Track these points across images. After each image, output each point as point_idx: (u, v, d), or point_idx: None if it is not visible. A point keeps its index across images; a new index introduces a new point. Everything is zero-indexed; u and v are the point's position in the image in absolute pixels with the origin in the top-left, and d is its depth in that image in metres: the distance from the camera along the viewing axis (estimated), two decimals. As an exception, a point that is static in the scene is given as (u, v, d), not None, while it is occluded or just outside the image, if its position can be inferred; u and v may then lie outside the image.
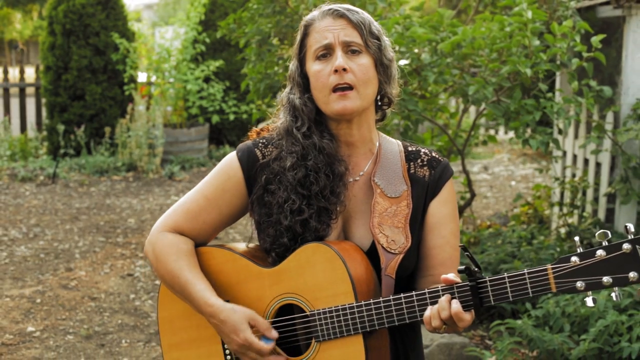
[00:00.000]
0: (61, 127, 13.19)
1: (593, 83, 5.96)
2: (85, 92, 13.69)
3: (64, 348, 6.15)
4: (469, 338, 5.67)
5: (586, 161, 7.47)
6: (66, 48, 13.72)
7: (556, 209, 7.65)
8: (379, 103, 2.78)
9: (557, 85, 7.79)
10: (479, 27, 5.98)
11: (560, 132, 6.20)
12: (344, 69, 2.61)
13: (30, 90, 16.26)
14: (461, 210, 7.26)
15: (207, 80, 14.55)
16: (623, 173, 6.49)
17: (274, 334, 2.65)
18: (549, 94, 5.88)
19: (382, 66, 2.69)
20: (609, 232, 2.33)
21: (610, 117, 6.73)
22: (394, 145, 2.82)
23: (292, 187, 2.68)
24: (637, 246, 2.30)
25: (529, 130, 6.07)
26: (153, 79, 14.69)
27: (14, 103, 16.06)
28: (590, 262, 2.34)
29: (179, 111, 14.44)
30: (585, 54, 5.70)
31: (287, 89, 2.81)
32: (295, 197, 2.67)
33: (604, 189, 6.94)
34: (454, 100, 13.90)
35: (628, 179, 6.45)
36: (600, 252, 2.33)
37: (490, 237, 6.94)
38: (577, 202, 7.27)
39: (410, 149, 2.83)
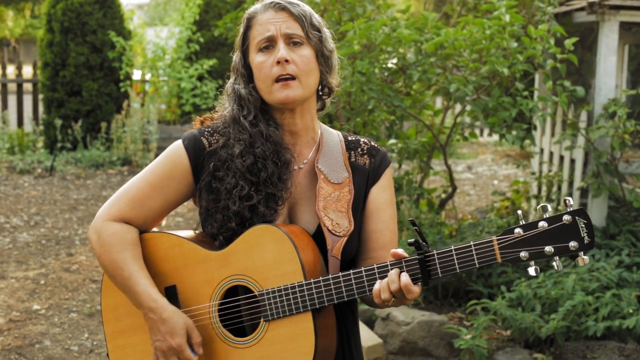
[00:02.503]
0: (58, 122, 13.54)
1: (567, 83, 6.37)
2: (82, 88, 14.07)
3: (68, 324, 6.54)
4: (448, 318, 6.07)
5: (561, 158, 7.89)
6: (64, 45, 14.10)
7: (533, 202, 8.07)
8: (320, 93, 2.89)
9: (536, 84, 8.21)
10: (461, 29, 6.41)
11: (535, 128, 6.62)
12: (286, 60, 2.69)
13: (27, 86, 16.59)
14: (442, 203, 7.69)
15: (200, 78, 14.91)
16: (595, 168, 6.89)
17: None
18: (525, 93, 6.31)
19: (323, 57, 2.79)
20: (548, 206, 2.48)
21: (584, 115, 7.14)
22: (335, 135, 2.93)
23: (240, 173, 2.73)
24: (577, 218, 2.44)
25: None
26: (148, 76, 15.07)
27: (11, 99, 16.40)
28: (533, 233, 2.46)
29: (173, 108, 14.84)
30: (559, 56, 6.13)
31: (232, 80, 2.87)
32: (243, 183, 2.73)
33: (577, 183, 7.36)
34: (439, 101, 14.34)
35: (599, 174, 6.84)
36: (542, 224, 2.45)
37: (469, 227, 7.34)
38: (553, 196, 7.70)
39: (350, 138, 2.94)
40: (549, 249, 2.45)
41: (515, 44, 6.21)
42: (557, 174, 7.66)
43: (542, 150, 8.42)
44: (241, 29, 2.84)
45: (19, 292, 7.20)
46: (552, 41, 6.23)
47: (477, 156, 15.85)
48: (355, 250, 2.84)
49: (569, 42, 6.03)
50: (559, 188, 7.83)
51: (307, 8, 2.79)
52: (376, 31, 6.32)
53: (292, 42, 2.73)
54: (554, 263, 2.48)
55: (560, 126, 7.82)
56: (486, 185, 12.67)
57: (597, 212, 7.05)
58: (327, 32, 2.83)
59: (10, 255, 8.27)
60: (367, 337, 5.87)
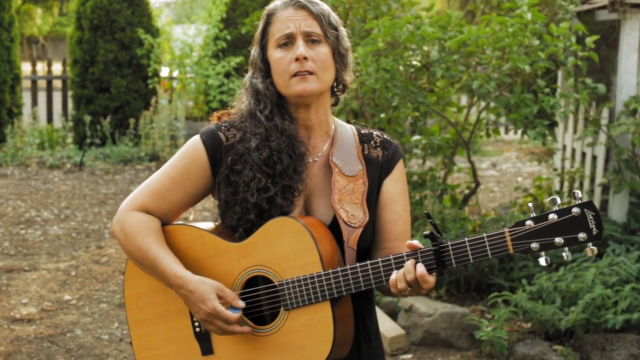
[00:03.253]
0: (87, 118, 13.74)
1: (588, 80, 6.46)
2: (111, 85, 14.29)
3: (99, 314, 6.71)
4: (470, 311, 6.18)
5: (583, 154, 7.99)
6: (93, 42, 14.32)
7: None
8: (335, 89, 2.95)
9: (559, 82, 8.30)
10: (483, 27, 6.52)
11: (556, 124, 6.72)
12: (305, 58, 2.75)
13: (57, 83, 16.82)
14: (466, 198, 7.80)
15: (227, 75, 15.06)
16: (616, 165, 6.97)
17: (241, 303, 2.76)
18: (547, 90, 6.41)
19: (339, 55, 2.86)
20: (557, 199, 2.55)
21: (605, 112, 7.23)
22: (348, 129, 2.99)
23: (257, 166, 2.80)
24: (585, 210, 2.50)
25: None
26: (175, 73, 15.25)
27: (41, 95, 16.64)
28: (543, 225, 2.53)
29: (200, 105, 15.02)
30: (580, 54, 6.23)
31: (250, 74, 2.93)
32: (260, 176, 2.79)
33: (599, 180, 7.44)
34: (465, 99, 14.42)
35: (620, 170, 6.92)
36: (552, 216, 2.52)
37: (492, 222, 7.43)
38: (575, 192, 7.79)
39: (363, 131, 3.00)
40: (558, 240, 2.51)
41: (537, 42, 6.32)
42: (579, 170, 7.76)
43: (564, 147, 8.52)
44: (260, 25, 2.90)
45: (51, 283, 7.37)
46: (573, 39, 6.33)
47: (501, 153, 15.92)
48: (370, 240, 2.91)
49: (590, 40, 6.12)
50: (581, 184, 7.92)
51: (326, 7, 2.86)
52: (400, 29, 6.45)
53: (310, 39, 2.79)
54: (563, 254, 2.54)
55: (582, 123, 7.91)
56: (510, 182, 12.73)
57: (618, 208, 7.13)
58: (343, 31, 2.90)
59: (42, 248, 8.46)
60: (390, 328, 6.00)
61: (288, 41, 2.79)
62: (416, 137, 7.37)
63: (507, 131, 18.07)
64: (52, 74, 15.99)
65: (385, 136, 3.00)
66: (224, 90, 14.82)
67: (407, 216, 2.95)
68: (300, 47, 2.76)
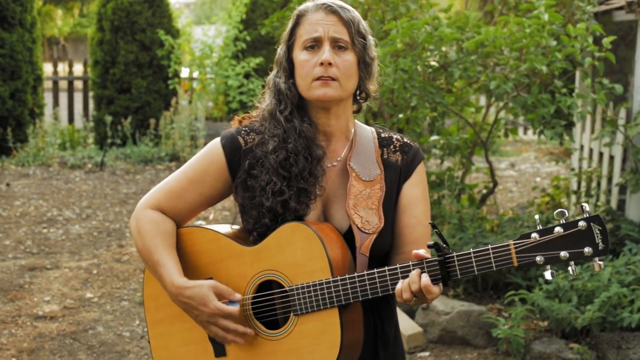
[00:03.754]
0: (108, 119, 13.85)
1: (605, 81, 6.50)
2: (132, 85, 14.42)
3: (120, 312, 6.80)
4: (487, 309, 6.23)
5: (601, 154, 8.02)
6: (114, 43, 14.46)
7: (573, 197, 8.21)
8: (358, 98, 2.94)
9: (576, 82, 8.33)
10: (501, 27, 6.57)
11: (573, 125, 6.76)
12: (330, 63, 2.74)
13: (78, 84, 16.96)
14: (483, 198, 7.85)
15: (247, 76, 15.14)
16: (633, 165, 6.99)
17: (238, 296, 2.78)
18: (564, 90, 6.45)
19: (364, 64, 2.84)
20: (565, 211, 2.49)
21: (623, 113, 7.26)
22: (368, 132, 2.96)
23: (273, 169, 2.80)
24: (592, 224, 2.45)
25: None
26: (195, 74, 15.36)
27: (62, 96, 16.78)
28: (549, 238, 2.49)
29: (220, 105, 15.11)
30: (597, 54, 6.27)
31: (274, 72, 2.93)
32: (276, 179, 2.79)
33: (616, 179, 7.48)
34: (484, 99, 14.46)
35: (638, 170, 6.94)
36: (558, 229, 2.47)
37: (509, 222, 7.48)
38: (592, 191, 7.83)
39: (383, 135, 2.97)
40: (564, 254, 2.48)
41: (554, 43, 6.36)
42: (596, 170, 7.79)
43: (582, 147, 8.55)
44: (289, 24, 2.88)
45: (73, 281, 7.47)
46: (590, 40, 6.37)
47: (520, 154, 15.94)
48: (388, 246, 2.88)
49: (606, 41, 6.16)
50: (598, 184, 7.95)
51: (356, 14, 2.84)
52: (419, 30, 6.50)
53: (337, 45, 2.77)
54: (569, 268, 2.53)
55: (599, 123, 7.94)
56: (528, 182, 12.76)
57: (636, 208, 7.16)
58: (371, 40, 2.87)
59: (64, 247, 8.57)
60: (408, 325, 6.06)
61: (315, 44, 2.78)
62: (434, 137, 7.43)
63: (525, 131, 18.11)
64: (74, 75, 16.15)
65: (405, 140, 2.97)
66: (243, 91, 14.90)
67: (427, 220, 2.92)
68: (326, 52, 2.75)
